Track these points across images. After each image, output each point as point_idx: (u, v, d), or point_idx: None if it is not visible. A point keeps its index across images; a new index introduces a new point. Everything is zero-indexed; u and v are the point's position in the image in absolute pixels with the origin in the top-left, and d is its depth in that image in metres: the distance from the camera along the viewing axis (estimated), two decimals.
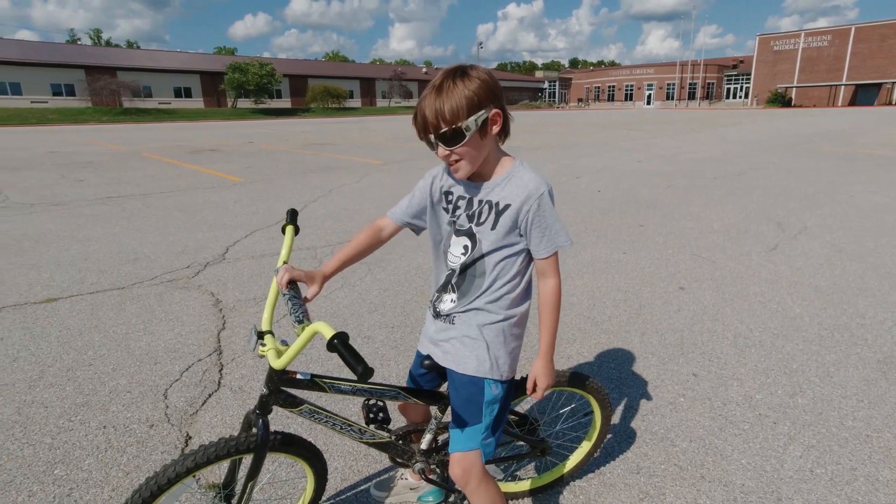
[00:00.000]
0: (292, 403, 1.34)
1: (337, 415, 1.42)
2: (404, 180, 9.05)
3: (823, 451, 2.10)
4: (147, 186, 8.56)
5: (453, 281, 1.42)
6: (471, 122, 1.21)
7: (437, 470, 1.67)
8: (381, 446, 1.56)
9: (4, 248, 5.00)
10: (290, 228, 1.48)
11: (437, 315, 1.47)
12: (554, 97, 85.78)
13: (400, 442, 1.60)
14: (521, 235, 1.35)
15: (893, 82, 53.41)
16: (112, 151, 14.72)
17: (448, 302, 1.44)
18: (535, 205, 1.30)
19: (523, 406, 2.35)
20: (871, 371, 2.69)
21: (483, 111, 1.22)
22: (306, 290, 1.40)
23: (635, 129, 21.99)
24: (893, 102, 52.93)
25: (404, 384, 1.61)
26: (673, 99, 71.46)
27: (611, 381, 2.65)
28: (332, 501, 1.88)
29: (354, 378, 1.25)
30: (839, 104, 57.60)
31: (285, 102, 54.99)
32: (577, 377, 1.70)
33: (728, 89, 72.16)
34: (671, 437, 2.20)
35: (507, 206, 1.32)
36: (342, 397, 2.43)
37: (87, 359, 2.87)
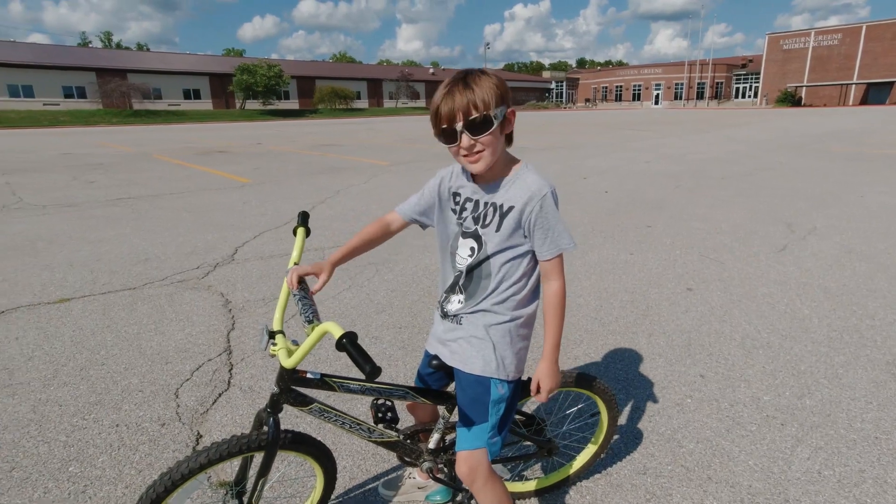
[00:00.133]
0: (302, 402, 1.36)
1: (346, 413, 1.44)
2: (411, 181, 9.08)
3: (832, 453, 2.09)
4: (157, 188, 8.65)
5: (460, 282, 1.44)
6: (498, 112, 1.25)
7: (445, 469, 1.68)
8: (389, 445, 1.58)
9: (19, 249, 5.07)
10: (301, 230, 1.51)
11: (444, 315, 1.49)
12: (561, 97, 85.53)
13: (408, 441, 1.61)
14: (525, 237, 1.37)
15: None
16: (122, 153, 14.88)
17: (455, 303, 1.46)
18: (537, 206, 1.32)
19: (530, 406, 2.37)
20: (880, 373, 2.68)
21: (503, 106, 1.27)
22: (315, 283, 1.42)
23: (643, 130, 21.90)
24: None
25: (412, 384, 1.63)
26: (681, 99, 71.01)
27: (618, 382, 2.66)
28: (340, 500, 1.90)
29: (363, 377, 1.28)
30: (850, 103, 57.01)
31: (293, 104, 55.27)
32: (583, 378, 1.71)
33: (737, 89, 71.63)
34: (678, 438, 2.21)
35: (510, 208, 1.34)
36: (351, 397, 2.46)
37: (100, 358, 2.92)
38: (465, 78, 1.26)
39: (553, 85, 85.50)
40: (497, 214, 1.36)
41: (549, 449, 1.85)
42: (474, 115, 1.23)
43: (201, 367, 2.82)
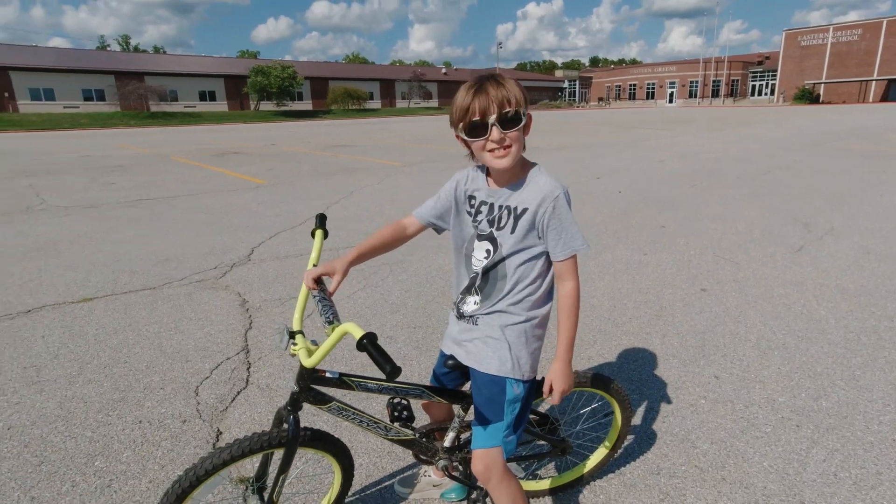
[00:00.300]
0: (321, 400, 1.40)
1: (364, 412, 1.48)
2: (424, 182, 9.12)
3: (848, 455, 2.08)
4: (174, 189, 8.80)
5: (476, 284, 1.47)
6: (524, 111, 1.32)
7: (460, 467, 1.71)
8: (405, 443, 1.61)
9: (43, 250, 5.20)
10: (319, 233, 1.54)
11: (460, 316, 1.51)
12: (574, 96, 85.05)
13: (424, 439, 1.64)
14: (539, 238, 1.39)
15: None
16: (141, 155, 15.13)
17: (471, 304, 1.48)
18: (550, 207, 1.34)
19: (544, 406, 2.38)
20: None
21: (526, 109, 1.33)
22: (331, 283, 1.45)
23: (657, 128, 21.71)
24: None
25: (428, 383, 1.66)
26: (696, 97, 70.21)
27: (631, 383, 2.66)
28: (357, 496, 1.94)
29: (381, 377, 1.31)
30: (870, 100, 55.88)
31: (307, 104, 55.70)
32: (597, 378, 1.73)
33: (753, 86, 70.61)
34: (692, 439, 2.21)
35: (524, 210, 1.37)
36: (367, 396, 2.49)
37: (123, 356, 2.99)
38: (495, 77, 1.32)
39: (566, 84, 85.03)
40: (511, 217, 1.39)
41: (563, 448, 1.87)
42: (507, 109, 1.29)
43: (220, 365, 2.88)
